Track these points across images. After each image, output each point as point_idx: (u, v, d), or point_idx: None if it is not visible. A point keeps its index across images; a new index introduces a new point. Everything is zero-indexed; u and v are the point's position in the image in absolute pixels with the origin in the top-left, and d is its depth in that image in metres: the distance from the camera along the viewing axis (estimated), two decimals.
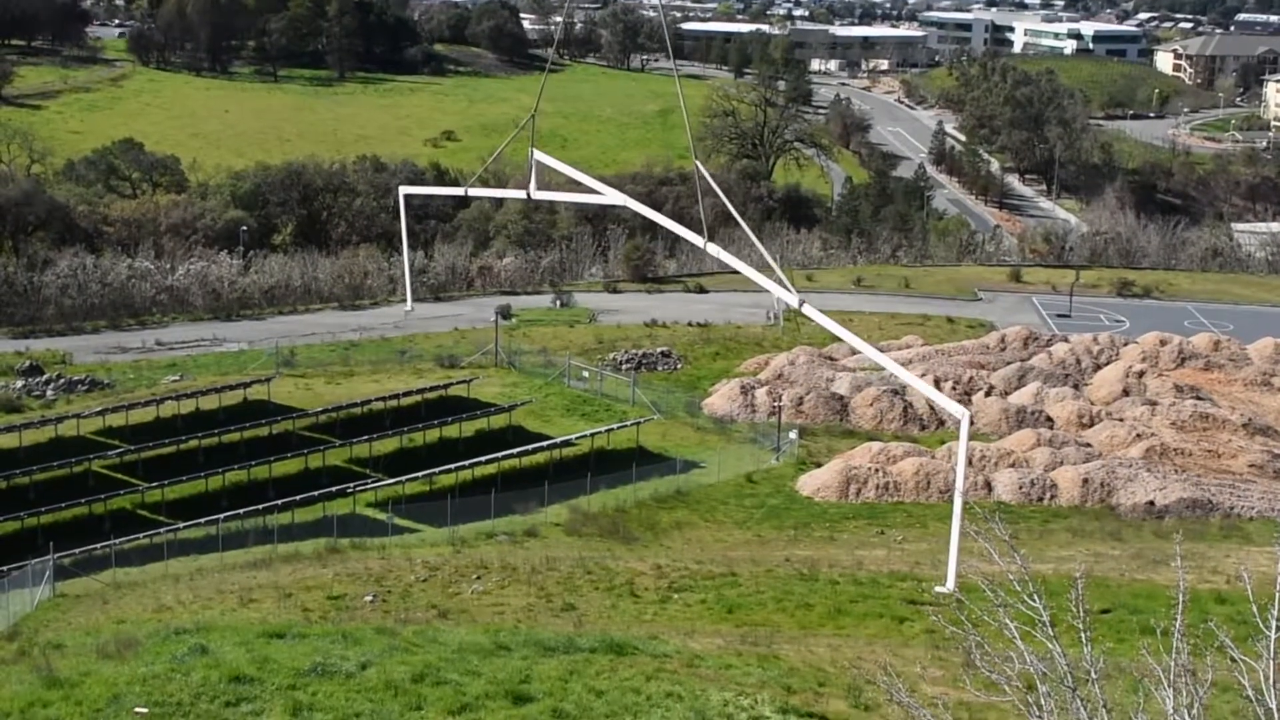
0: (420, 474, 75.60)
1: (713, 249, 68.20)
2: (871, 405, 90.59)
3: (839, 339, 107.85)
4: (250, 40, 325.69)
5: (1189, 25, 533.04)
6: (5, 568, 60.10)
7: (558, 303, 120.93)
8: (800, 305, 63.66)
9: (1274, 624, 17.96)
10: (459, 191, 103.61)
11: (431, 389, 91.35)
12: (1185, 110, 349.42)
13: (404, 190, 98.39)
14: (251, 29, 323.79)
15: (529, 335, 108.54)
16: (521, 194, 79.27)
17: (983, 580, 21.19)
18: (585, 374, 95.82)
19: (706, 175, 74.02)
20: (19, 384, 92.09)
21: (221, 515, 67.75)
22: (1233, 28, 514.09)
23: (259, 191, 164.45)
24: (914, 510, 74.58)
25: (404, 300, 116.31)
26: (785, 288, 65.90)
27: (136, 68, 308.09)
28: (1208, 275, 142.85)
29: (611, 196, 76.92)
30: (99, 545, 63.83)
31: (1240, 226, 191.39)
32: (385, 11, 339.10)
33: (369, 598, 53.41)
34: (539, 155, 74.48)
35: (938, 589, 54.93)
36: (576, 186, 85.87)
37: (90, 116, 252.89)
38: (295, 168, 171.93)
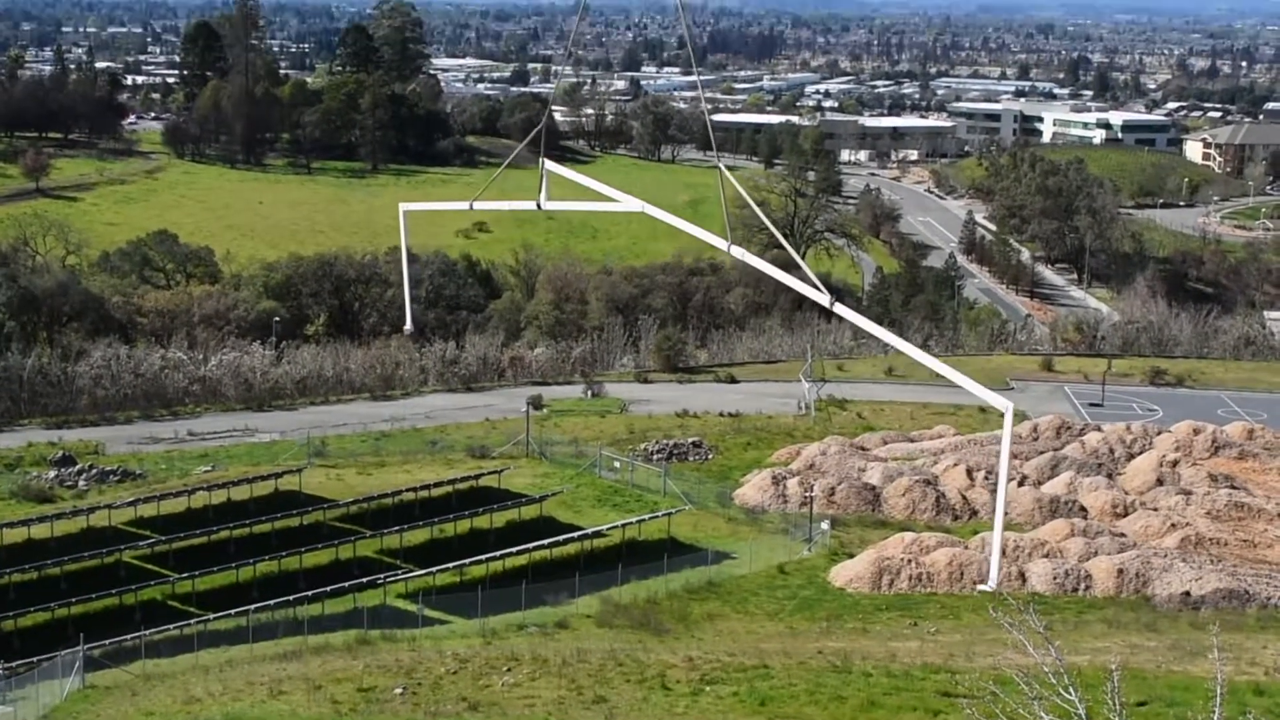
0: (451, 565, 75.41)
1: (737, 252, 68.05)
2: (904, 495, 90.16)
3: (871, 428, 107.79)
4: (284, 133, 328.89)
5: (1218, 114, 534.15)
6: (36, 659, 60.05)
7: (589, 393, 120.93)
8: (831, 305, 63.25)
9: None
10: (463, 205, 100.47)
11: (462, 480, 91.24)
12: (1215, 199, 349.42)
13: (404, 206, 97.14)
14: (286, 122, 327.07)
15: (560, 426, 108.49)
16: (531, 205, 78.78)
17: (1018, 673, 20.99)
18: (616, 464, 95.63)
19: (733, 180, 73.76)
20: (51, 474, 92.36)
21: (252, 606, 67.62)
22: (1261, 116, 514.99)
23: (291, 282, 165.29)
24: (947, 601, 74.00)
25: (427, 390, 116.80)
26: (815, 288, 65.50)
27: (172, 160, 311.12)
28: (1241, 364, 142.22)
29: (628, 203, 76.89)
30: (129, 636, 63.73)
31: (1273, 314, 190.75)
32: (418, 104, 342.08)
33: (399, 690, 53.21)
34: (550, 165, 74.17)
35: (981, 587, 54.32)
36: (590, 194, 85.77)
37: (126, 208, 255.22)
38: (328, 259, 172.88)
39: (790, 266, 71.63)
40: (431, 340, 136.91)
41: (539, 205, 75.27)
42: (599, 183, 77.78)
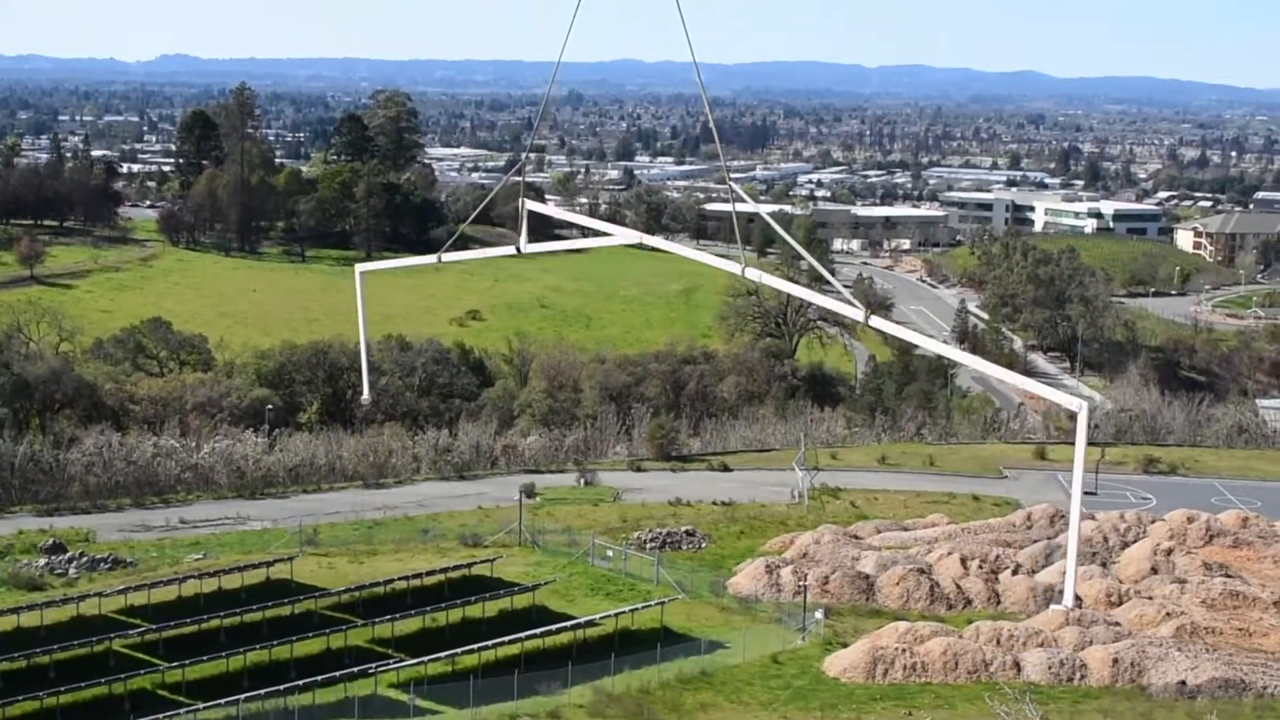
0: (443, 654, 74.95)
1: (752, 273, 66.76)
2: (898, 584, 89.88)
3: (865, 517, 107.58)
4: (279, 221, 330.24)
5: (1208, 204, 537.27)
6: None
7: (582, 481, 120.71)
8: (867, 319, 62.39)
9: None
10: (430, 259, 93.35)
11: (455, 568, 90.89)
12: (1207, 287, 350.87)
13: (361, 268, 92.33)
14: (281, 210, 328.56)
15: (553, 514, 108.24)
16: (510, 250, 75.67)
17: None
18: (609, 553, 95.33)
19: (739, 190, 72.95)
20: (42, 562, 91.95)
21: (242, 696, 67.17)
22: (1252, 205, 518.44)
23: (285, 370, 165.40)
24: (942, 691, 73.73)
25: (420, 478, 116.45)
26: (849, 302, 64.72)
27: (166, 247, 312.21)
28: (1234, 452, 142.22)
29: (622, 236, 75.82)
30: None
31: (1265, 403, 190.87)
32: (412, 193, 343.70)
33: None
34: (533, 205, 71.94)
35: (1055, 606, 53.59)
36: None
37: (120, 295, 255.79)
38: (321, 346, 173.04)
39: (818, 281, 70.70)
40: (425, 428, 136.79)
41: (519, 250, 72.38)
42: (588, 219, 75.92)
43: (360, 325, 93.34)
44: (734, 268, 67.49)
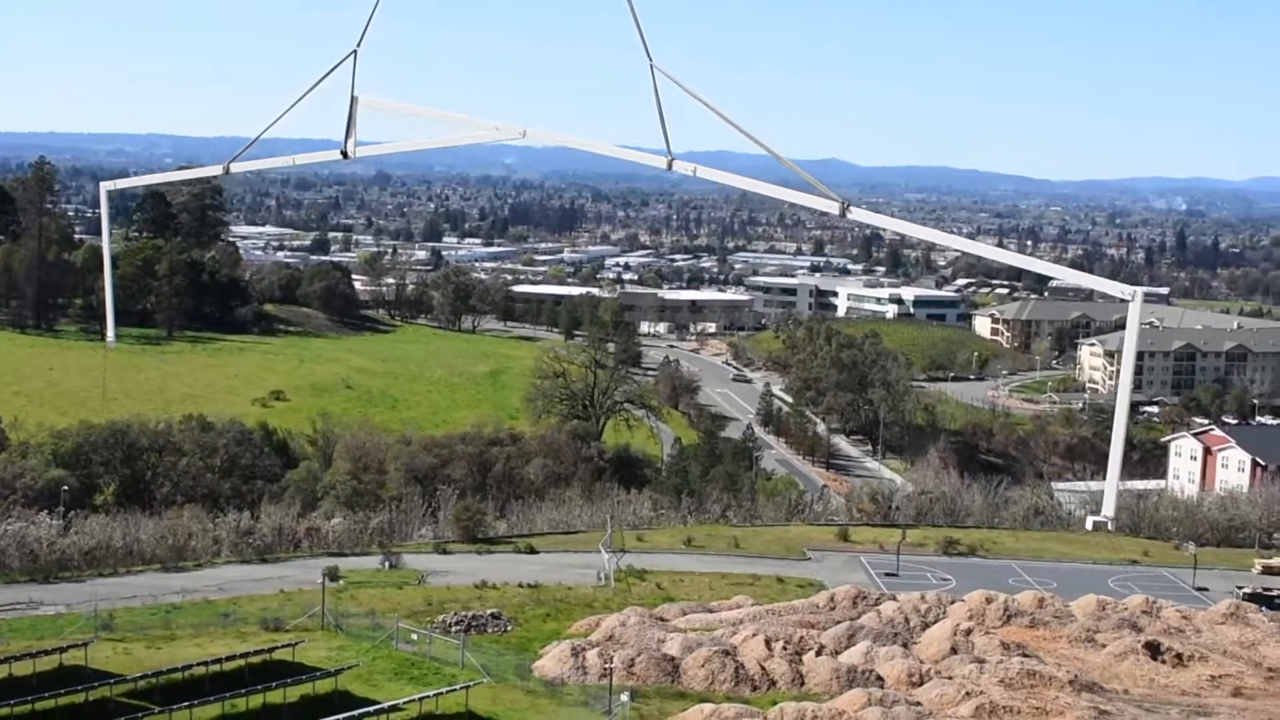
0: None
1: (680, 166, 64.35)
2: (703, 666, 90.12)
3: (671, 599, 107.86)
4: (77, 298, 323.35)
5: (1005, 291, 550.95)
6: None
7: (386, 564, 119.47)
8: (843, 212, 60.49)
9: None
10: (215, 171, 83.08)
11: (255, 653, 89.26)
12: (1004, 372, 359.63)
13: (106, 186, 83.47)
14: (80, 287, 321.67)
15: (356, 597, 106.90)
16: (335, 155, 71.23)
17: None
18: (414, 636, 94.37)
19: (667, 75, 69.52)
20: None
21: None
22: (1046, 294, 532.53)
23: (82, 450, 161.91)
24: None
25: (220, 561, 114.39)
26: (827, 196, 62.94)
27: None
28: (1030, 533, 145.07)
29: (506, 129, 72.27)
30: None
31: (1060, 485, 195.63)
32: (217, 271, 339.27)
33: None
34: (368, 99, 68.20)
35: (1094, 518, 53.41)
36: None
37: None
38: (120, 426, 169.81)
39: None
40: (226, 510, 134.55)
41: (345, 153, 68.42)
42: (441, 112, 71.52)
43: (105, 258, 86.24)
44: (832, 207, 64.15)
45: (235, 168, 74.87)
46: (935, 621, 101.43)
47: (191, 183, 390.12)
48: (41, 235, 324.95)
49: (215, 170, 74.47)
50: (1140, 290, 61.67)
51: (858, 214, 61.06)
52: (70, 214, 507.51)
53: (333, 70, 67.01)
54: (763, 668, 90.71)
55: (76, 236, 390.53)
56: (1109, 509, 52.49)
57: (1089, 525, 59.37)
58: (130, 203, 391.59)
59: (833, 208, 63.11)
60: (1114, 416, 53.36)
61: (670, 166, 63.17)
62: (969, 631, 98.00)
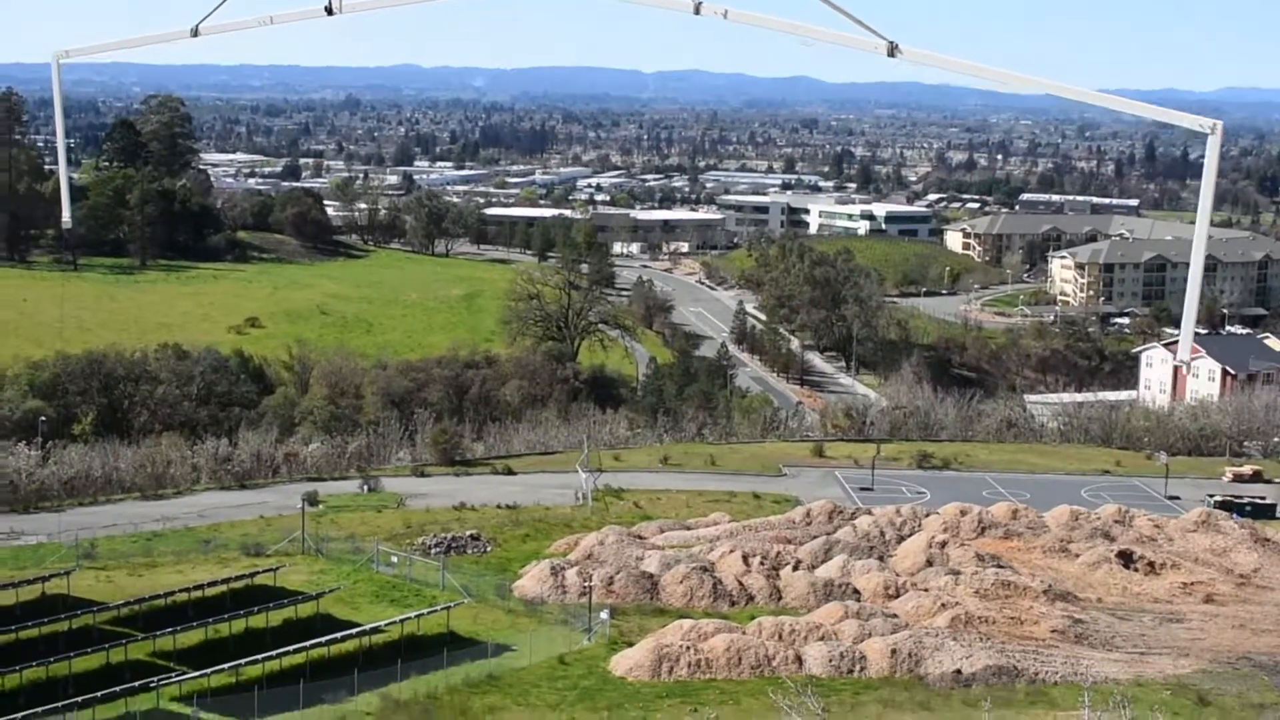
0: (226, 666, 74.19)
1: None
2: (681, 583, 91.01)
3: (648, 517, 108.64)
4: (49, 229, 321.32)
5: (976, 205, 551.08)
6: None
7: (365, 488, 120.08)
8: (892, 51, 56.76)
9: None
10: (182, 34, 71.10)
11: (237, 578, 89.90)
12: (976, 287, 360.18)
13: (59, 55, 71.74)
14: (50, 218, 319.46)
15: (336, 522, 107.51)
16: (319, 11, 66.18)
17: None
18: (394, 559, 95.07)
19: None
20: None
21: (20, 715, 65.82)
22: (1017, 207, 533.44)
23: (59, 381, 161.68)
24: (726, 687, 74.95)
25: (200, 488, 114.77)
26: (872, 31, 59.30)
27: None
28: (1004, 446, 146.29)
29: None
30: None
31: (1033, 398, 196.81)
32: (188, 199, 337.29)
33: None
34: None
35: (1176, 360, 53.47)
36: None
37: None
38: (96, 356, 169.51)
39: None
40: (204, 437, 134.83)
41: (330, 9, 64.12)
42: None
43: (59, 136, 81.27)
44: (880, 47, 60.56)
45: (204, 27, 70.65)
46: (910, 535, 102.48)
47: (161, 112, 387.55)
48: (11, 167, 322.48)
49: (182, 34, 70.05)
50: (1220, 124, 59.96)
51: (909, 52, 58.07)
52: (40, 145, 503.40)
53: None
54: (740, 583, 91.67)
55: (46, 168, 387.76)
56: (1184, 353, 52.58)
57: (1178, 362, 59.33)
58: (99, 132, 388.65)
59: (880, 48, 59.42)
60: (1191, 254, 52.80)
61: (698, 10, 60.26)
62: (944, 544, 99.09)
